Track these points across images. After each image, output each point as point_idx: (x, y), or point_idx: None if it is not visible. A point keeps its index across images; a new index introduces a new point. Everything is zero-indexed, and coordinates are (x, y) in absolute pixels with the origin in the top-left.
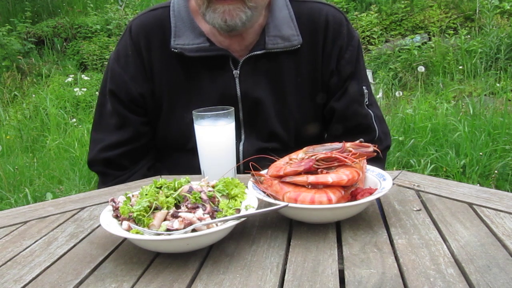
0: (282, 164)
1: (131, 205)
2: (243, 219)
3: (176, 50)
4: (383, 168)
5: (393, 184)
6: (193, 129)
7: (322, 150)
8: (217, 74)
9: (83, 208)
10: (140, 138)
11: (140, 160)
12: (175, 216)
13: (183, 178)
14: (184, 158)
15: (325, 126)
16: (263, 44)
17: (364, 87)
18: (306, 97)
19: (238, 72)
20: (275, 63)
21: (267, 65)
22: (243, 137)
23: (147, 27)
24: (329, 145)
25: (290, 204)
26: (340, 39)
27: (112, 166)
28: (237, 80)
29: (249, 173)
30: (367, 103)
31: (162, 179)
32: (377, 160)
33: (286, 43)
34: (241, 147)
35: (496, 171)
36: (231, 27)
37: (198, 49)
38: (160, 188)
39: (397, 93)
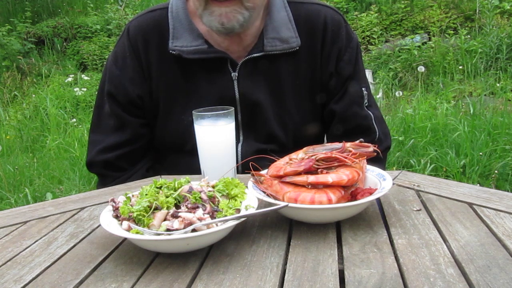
0: (282, 164)
1: (131, 205)
2: (243, 219)
3: (174, 52)
4: (383, 168)
5: (393, 184)
6: (191, 131)
7: (322, 150)
8: (215, 76)
9: (83, 208)
10: (138, 139)
11: (139, 162)
12: (175, 216)
13: (183, 178)
14: (182, 159)
15: (324, 128)
16: (261, 46)
17: (363, 89)
18: (305, 99)
19: (237, 74)
20: (274, 65)
21: (266, 67)
22: (241, 138)
23: (145, 28)
24: (329, 145)
25: (290, 204)
26: (339, 41)
27: (111, 167)
28: (235, 82)
29: (249, 173)
30: (366, 104)
31: (162, 179)
32: (377, 161)
33: (284, 45)
34: (239, 149)
35: (496, 171)
36: (229, 29)
37: (196, 51)
38: (160, 188)
39: (397, 93)
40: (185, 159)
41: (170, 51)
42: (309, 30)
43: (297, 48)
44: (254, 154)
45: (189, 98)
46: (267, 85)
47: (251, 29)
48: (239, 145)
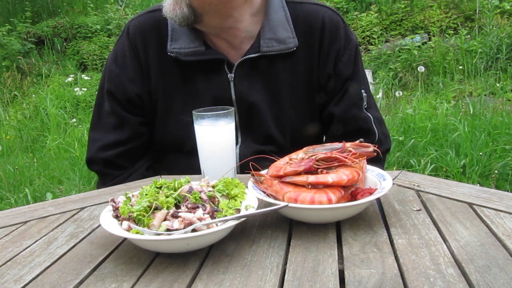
0: (282, 164)
1: (131, 205)
2: (243, 219)
3: (172, 55)
4: (382, 169)
5: (393, 184)
6: (190, 132)
7: (322, 150)
8: (212, 77)
9: (83, 208)
10: (138, 138)
11: (139, 160)
12: (175, 216)
13: (183, 178)
14: (182, 159)
15: (323, 130)
16: (257, 47)
17: (362, 91)
18: (302, 99)
19: (233, 75)
20: (271, 66)
21: (263, 68)
22: (239, 140)
23: (144, 29)
24: (329, 145)
25: (290, 204)
26: (337, 42)
27: (110, 165)
28: (231, 84)
29: (248, 173)
30: (365, 106)
31: (162, 179)
32: (377, 162)
33: (281, 45)
34: (237, 150)
35: (496, 171)
36: (173, 19)
37: (194, 53)
38: (160, 188)
39: (397, 93)
40: (184, 159)
41: (169, 53)
42: (307, 30)
43: (294, 48)
44: (253, 156)
45: (187, 99)
46: (264, 86)
47: (240, 29)
48: (238, 147)
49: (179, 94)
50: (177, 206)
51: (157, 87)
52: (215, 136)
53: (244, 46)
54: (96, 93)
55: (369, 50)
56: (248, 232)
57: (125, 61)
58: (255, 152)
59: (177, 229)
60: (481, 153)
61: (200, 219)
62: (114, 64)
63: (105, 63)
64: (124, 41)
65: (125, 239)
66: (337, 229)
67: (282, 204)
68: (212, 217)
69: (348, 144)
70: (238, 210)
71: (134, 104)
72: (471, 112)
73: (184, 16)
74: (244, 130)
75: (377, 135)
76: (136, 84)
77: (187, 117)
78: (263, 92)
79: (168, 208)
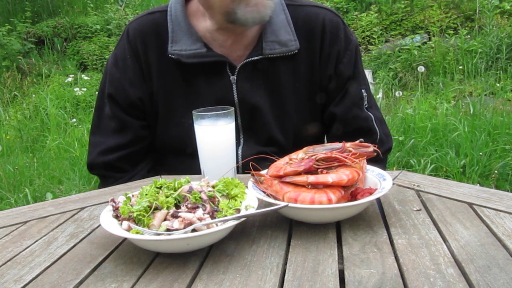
0: (282, 164)
1: (131, 205)
2: (243, 219)
3: (173, 56)
4: (383, 169)
5: (393, 184)
6: (192, 133)
7: (322, 150)
8: (214, 79)
9: (83, 208)
10: (139, 141)
11: (140, 163)
12: (175, 216)
13: (183, 178)
14: (183, 162)
15: (325, 131)
16: (260, 49)
17: (363, 90)
18: (304, 101)
19: (235, 77)
20: (273, 68)
21: (265, 71)
22: (241, 141)
23: (144, 31)
24: (329, 145)
25: (290, 204)
26: (338, 43)
27: (111, 169)
28: (234, 86)
29: (249, 173)
30: (366, 106)
31: (162, 179)
32: (378, 161)
33: (283, 48)
34: (240, 152)
35: (496, 171)
36: (263, 18)
37: (195, 55)
38: (160, 188)
39: (397, 93)
40: (186, 161)
41: (169, 55)
42: (308, 32)
43: (296, 51)
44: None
45: (188, 101)
46: (266, 89)
47: (252, 29)
48: (240, 148)
49: (180, 96)
50: (177, 206)
51: (158, 89)
52: (215, 136)
53: (245, 48)
54: (97, 93)
55: (369, 50)
56: (248, 232)
57: (126, 64)
58: (257, 153)
59: (177, 229)
60: (481, 153)
61: (200, 219)
62: (114, 67)
63: (105, 63)
64: (124, 44)
65: (125, 239)
66: (337, 229)
67: (282, 204)
68: (212, 217)
69: (348, 144)
70: (238, 210)
71: (136, 107)
72: (471, 112)
73: (272, 9)
74: (246, 131)
75: (378, 135)
76: (137, 87)
77: (189, 120)
78: (265, 94)
79: (168, 208)
